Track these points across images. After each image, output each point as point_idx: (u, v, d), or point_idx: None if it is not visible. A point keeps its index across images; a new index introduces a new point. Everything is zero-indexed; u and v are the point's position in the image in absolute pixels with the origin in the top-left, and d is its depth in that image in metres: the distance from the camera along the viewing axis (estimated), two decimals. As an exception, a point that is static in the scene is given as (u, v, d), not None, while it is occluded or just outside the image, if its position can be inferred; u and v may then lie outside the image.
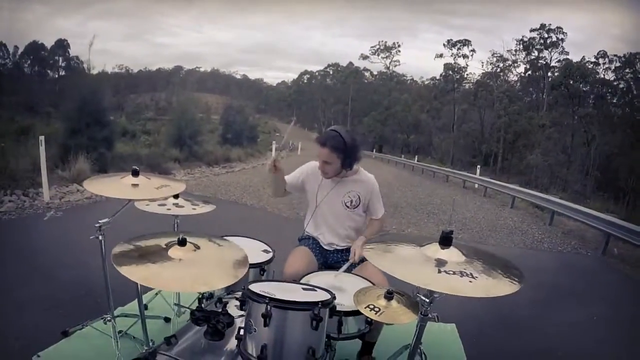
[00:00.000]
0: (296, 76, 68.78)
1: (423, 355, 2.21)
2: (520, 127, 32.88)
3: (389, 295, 1.67)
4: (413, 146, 42.64)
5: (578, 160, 29.25)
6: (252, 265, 2.03)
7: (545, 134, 29.31)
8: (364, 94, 53.22)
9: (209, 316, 1.43)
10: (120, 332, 2.24)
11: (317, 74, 62.62)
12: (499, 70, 38.84)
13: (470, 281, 1.26)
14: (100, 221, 1.96)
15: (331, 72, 59.51)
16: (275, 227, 6.13)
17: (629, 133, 28.07)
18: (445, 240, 1.38)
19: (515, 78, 39.07)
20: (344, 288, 1.95)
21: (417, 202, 10.59)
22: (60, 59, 42.22)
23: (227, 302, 1.59)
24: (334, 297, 1.57)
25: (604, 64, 31.58)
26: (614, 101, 31.75)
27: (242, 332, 1.45)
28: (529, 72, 37.33)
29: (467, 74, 41.77)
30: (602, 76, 31.78)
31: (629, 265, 6.12)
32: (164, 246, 1.55)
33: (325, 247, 2.45)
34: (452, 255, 1.39)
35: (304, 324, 1.39)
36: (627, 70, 30.66)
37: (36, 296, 3.05)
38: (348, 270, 2.19)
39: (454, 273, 1.28)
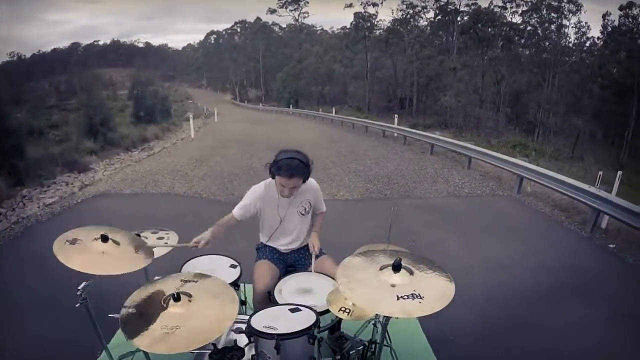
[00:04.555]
0: (202, 37, 64.87)
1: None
2: (433, 70, 34.27)
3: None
4: (329, 97, 42.66)
5: (489, 99, 31.54)
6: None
7: (457, 76, 30.82)
8: (274, 49, 51.70)
9: (224, 355, 1.72)
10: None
11: (224, 32, 59.59)
12: (408, 16, 39.60)
13: (420, 302, 1.60)
14: (79, 287, 1.89)
15: (239, 30, 56.94)
16: (218, 214, 6.19)
17: (536, 72, 30.88)
18: (397, 268, 1.75)
19: (425, 23, 40.05)
20: (312, 289, 2.32)
21: (342, 160, 10.90)
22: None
23: (235, 339, 1.88)
24: (318, 316, 1.91)
25: (511, 7, 33.39)
26: (521, 42, 33.83)
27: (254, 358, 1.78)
28: (439, 17, 38.38)
29: (377, 22, 42.18)
30: (510, 19, 33.78)
31: (541, 202, 6.84)
32: (163, 304, 1.74)
33: (283, 251, 2.77)
34: (403, 278, 1.74)
35: (305, 343, 1.78)
36: (533, 14, 32.66)
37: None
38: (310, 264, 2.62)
39: (408, 297, 1.62)
